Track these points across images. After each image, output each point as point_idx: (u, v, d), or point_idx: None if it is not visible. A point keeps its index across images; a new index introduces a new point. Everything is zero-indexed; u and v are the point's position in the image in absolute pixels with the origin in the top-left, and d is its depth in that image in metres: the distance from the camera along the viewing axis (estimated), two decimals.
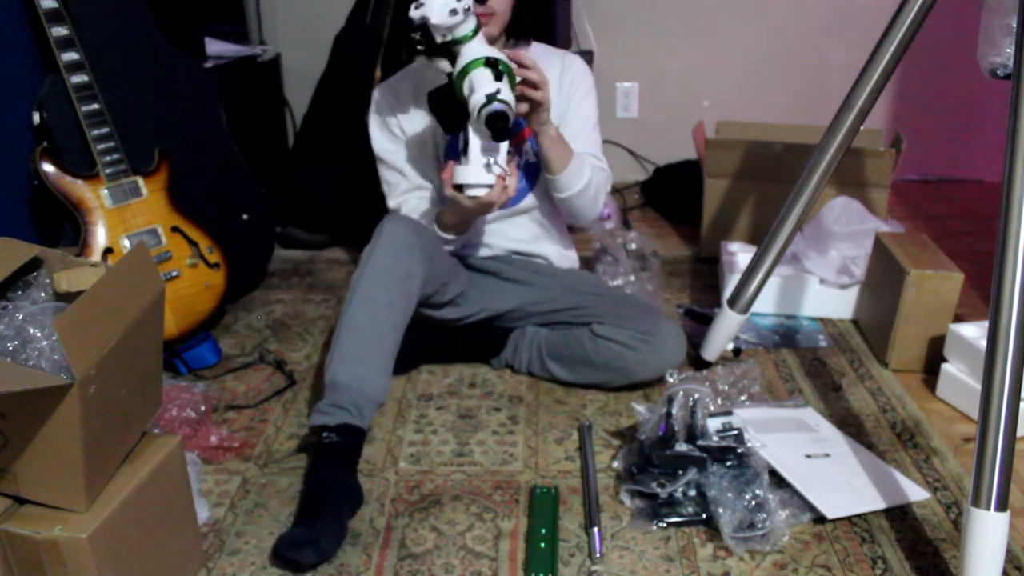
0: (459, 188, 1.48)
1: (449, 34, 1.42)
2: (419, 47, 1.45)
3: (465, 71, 1.41)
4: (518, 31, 1.65)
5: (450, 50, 1.45)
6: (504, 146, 1.47)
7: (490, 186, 1.46)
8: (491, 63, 1.40)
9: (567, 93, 1.70)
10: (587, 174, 1.64)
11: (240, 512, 1.38)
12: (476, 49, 1.43)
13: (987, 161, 3.04)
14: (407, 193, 1.74)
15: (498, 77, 1.40)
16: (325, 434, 1.39)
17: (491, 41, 1.54)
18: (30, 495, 1.02)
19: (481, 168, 1.46)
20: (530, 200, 1.74)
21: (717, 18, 2.87)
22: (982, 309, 2.04)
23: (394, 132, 1.71)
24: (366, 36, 2.49)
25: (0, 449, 0.99)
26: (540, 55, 1.65)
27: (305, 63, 2.71)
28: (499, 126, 1.36)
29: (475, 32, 1.43)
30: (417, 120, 1.70)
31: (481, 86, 1.39)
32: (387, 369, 1.47)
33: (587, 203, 1.67)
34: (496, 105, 1.37)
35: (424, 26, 1.41)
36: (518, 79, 1.46)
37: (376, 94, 1.73)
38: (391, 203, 1.76)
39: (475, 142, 1.45)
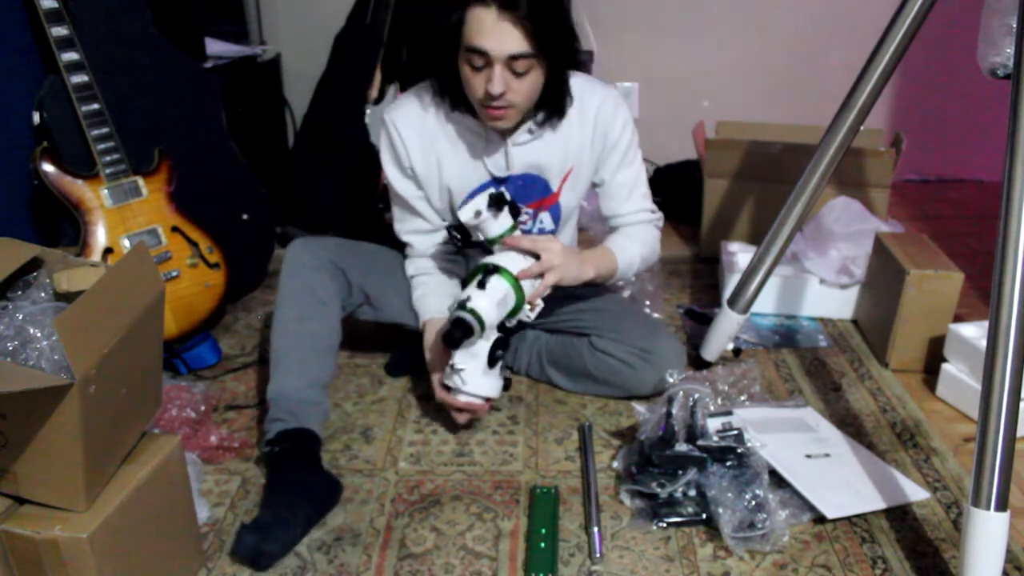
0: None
1: (479, 233, 1.46)
2: (457, 242, 1.50)
3: (474, 272, 1.45)
4: (549, 103, 1.49)
5: (486, 249, 1.50)
6: (469, 357, 1.44)
7: (447, 387, 1.49)
8: (489, 270, 1.43)
9: (605, 149, 1.59)
10: (635, 263, 1.63)
11: (240, 512, 1.38)
12: (494, 254, 1.47)
13: (987, 161, 3.04)
14: (414, 235, 1.65)
15: (481, 284, 1.41)
16: (268, 448, 1.42)
17: (515, 126, 1.50)
18: (30, 495, 1.02)
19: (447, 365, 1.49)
20: None
21: (717, 18, 2.87)
22: (982, 309, 2.04)
23: (404, 166, 1.58)
24: (366, 36, 2.48)
25: (0, 449, 0.99)
26: (581, 90, 1.54)
27: (305, 63, 2.71)
28: (453, 335, 1.37)
29: (507, 232, 1.45)
30: (422, 161, 1.56)
31: (465, 290, 1.43)
32: (309, 371, 1.49)
33: (641, 270, 1.68)
34: (458, 312, 1.39)
35: (461, 224, 1.47)
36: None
37: (388, 123, 1.55)
38: (400, 237, 1.67)
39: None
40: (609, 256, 1.60)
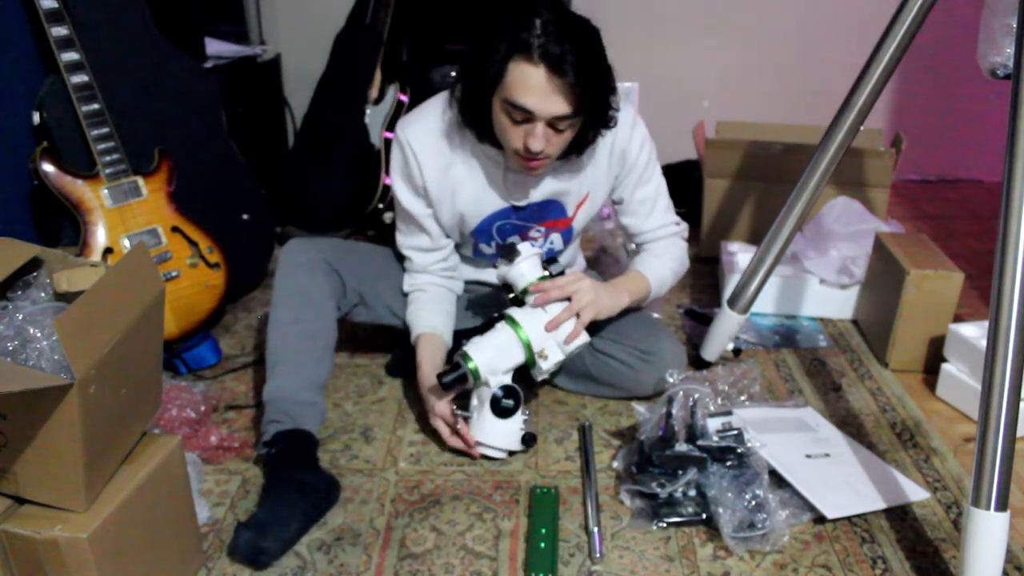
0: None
1: (514, 287, 1.49)
2: (507, 297, 1.52)
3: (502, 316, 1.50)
4: (575, 147, 1.47)
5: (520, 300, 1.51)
6: (476, 402, 1.48)
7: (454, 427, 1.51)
8: (496, 318, 1.49)
9: (623, 171, 1.57)
10: (667, 280, 1.64)
11: (240, 512, 1.38)
12: (518, 309, 1.49)
13: (987, 161, 3.05)
14: (415, 251, 1.63)
15: (480, 330, 1.48)
16: (265, 451, 1.42)
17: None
18: (30, 495, 1.02)
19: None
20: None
21: (717, 18, 2.87)
22: (982, 309, 2.05)
23: (416, 186, 1.54)
24: (366, 36, 2.49)
25: (0, 449, 0.99)
26: None
27: (305, 63, 2.71)
28: (441, 379, 1.42)
29: (533, 283, 1.46)
30: (436, 184, 1.53)
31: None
32: (304, 372, 1.49)
33: (674, 284, 1.69)
34: (455, 356, 1.45)
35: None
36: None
37: (403, 141, 1.51)
38: (401, 250, 1.65)
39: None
40: (641, 279, 1.61)
